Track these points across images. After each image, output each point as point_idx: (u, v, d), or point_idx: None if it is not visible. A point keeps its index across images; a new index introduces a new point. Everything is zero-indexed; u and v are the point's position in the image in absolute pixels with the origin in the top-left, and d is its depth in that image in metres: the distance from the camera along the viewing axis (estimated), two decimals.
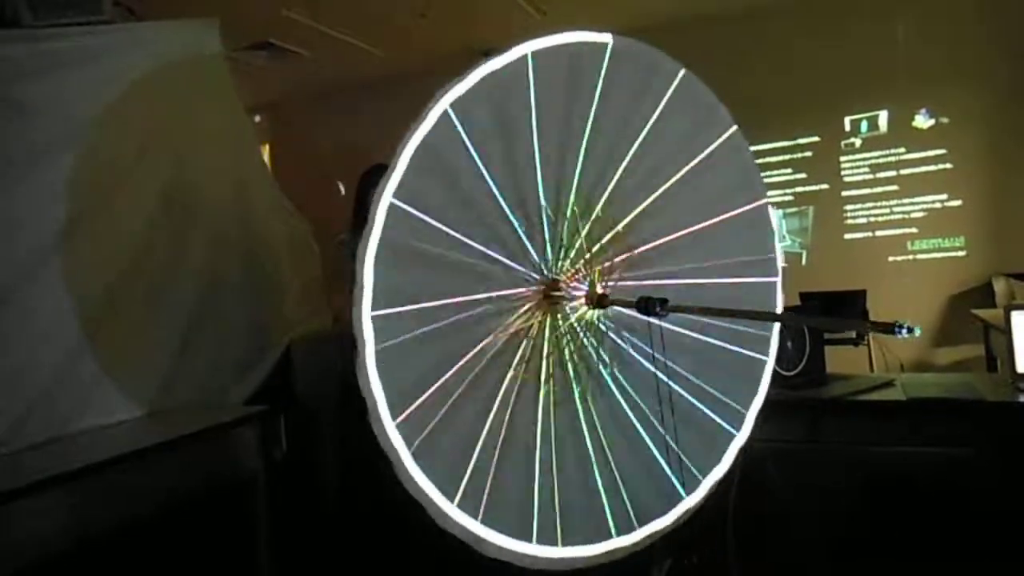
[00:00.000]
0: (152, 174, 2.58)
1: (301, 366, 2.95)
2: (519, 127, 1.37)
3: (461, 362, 1.29)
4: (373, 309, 1.18)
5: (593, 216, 1.48)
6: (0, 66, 2.20)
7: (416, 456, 1.21)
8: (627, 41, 1.50)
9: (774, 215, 1.76)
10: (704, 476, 1.58)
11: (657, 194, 1.56)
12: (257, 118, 5.20)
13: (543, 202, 1.41)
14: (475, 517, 1.28)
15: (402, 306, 1.23)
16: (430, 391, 1.24)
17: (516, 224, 1.38)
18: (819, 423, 2.20)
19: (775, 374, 1.73)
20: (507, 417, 1.34)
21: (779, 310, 1.76)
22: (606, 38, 1.47)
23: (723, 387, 1.60)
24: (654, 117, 1.55)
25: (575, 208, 1.46)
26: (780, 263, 1.75)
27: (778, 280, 1.74)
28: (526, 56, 1.36)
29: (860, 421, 2.22)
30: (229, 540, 2.28)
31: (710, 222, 1.63)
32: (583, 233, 1.47)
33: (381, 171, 1.22)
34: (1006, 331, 2.29)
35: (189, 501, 2.17)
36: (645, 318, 1.44)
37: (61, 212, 2.26)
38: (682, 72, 1.59)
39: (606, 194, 1.50)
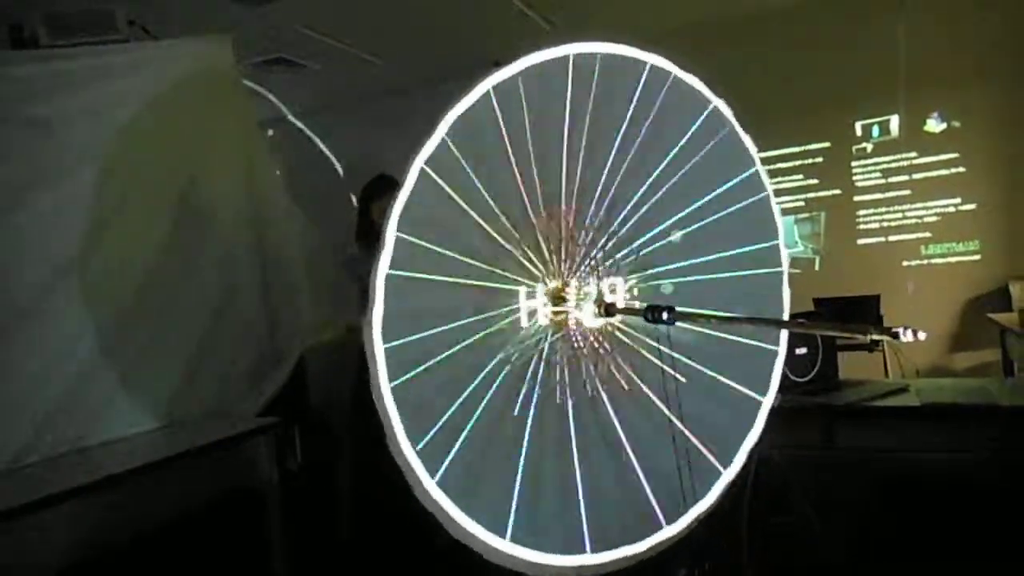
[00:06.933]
0: (167, 188, 2.62)
1: (314, 376, 2.97)
2: (549, 130, 1.38)
3: (463, 343, 1.28)
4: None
5: (610, 231, 1.50)
6: (18, 86, 2.25)
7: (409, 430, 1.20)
8: (664, 63, 1.52)
9: (782, 224, 1.77)
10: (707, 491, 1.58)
11: (674, 219, 1.58)
12: (270, 132, 5.27)
13: (562, 207, 1.42)
14: (487, 527, 1.28)
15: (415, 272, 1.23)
16: (428, 363, 1.23)
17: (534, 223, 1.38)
18: (832, 429, 2.18)
19: (788, 379, 1.72)
20: (507, 413, 1.34)
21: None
22: (649, 58, 1.50)
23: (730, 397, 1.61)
24: (680, 143, 1.57)
25: (593, 219, 1.47)
26: (787, 303, 1.77)
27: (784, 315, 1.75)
28: (568, 57, 1.37)
29: (874, 427, 2.21)
30: (243, 550, 2.30)
31: (723, 255, 1.65)
32: (599, 244, 1.48)
33: (382, 182, 1.23)
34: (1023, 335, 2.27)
35: (203, 512, 2.18)
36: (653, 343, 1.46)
37: (77, 228, 2.30)
38: (713, 105, 1.62)
39: (624, 210, 1.51)
